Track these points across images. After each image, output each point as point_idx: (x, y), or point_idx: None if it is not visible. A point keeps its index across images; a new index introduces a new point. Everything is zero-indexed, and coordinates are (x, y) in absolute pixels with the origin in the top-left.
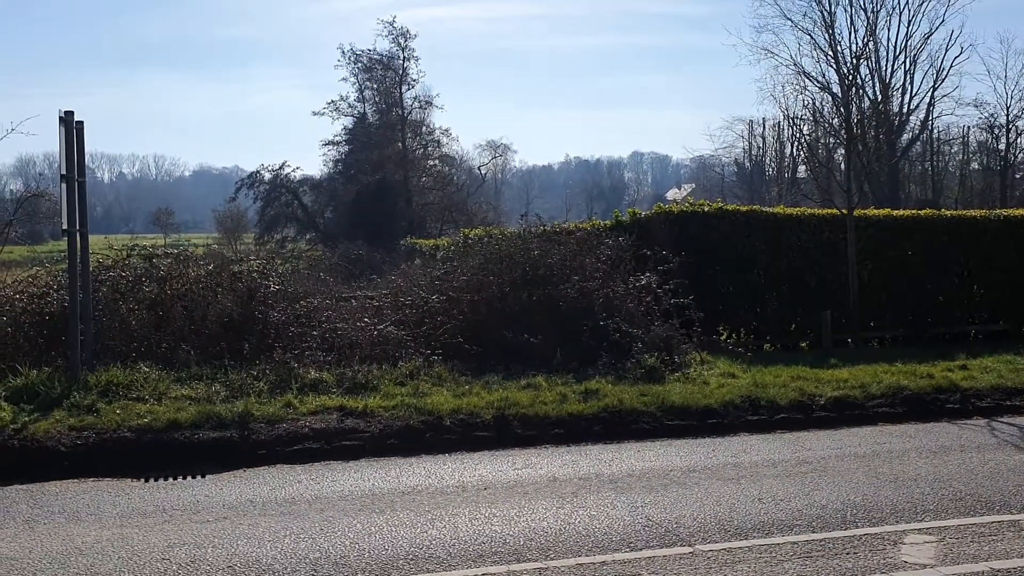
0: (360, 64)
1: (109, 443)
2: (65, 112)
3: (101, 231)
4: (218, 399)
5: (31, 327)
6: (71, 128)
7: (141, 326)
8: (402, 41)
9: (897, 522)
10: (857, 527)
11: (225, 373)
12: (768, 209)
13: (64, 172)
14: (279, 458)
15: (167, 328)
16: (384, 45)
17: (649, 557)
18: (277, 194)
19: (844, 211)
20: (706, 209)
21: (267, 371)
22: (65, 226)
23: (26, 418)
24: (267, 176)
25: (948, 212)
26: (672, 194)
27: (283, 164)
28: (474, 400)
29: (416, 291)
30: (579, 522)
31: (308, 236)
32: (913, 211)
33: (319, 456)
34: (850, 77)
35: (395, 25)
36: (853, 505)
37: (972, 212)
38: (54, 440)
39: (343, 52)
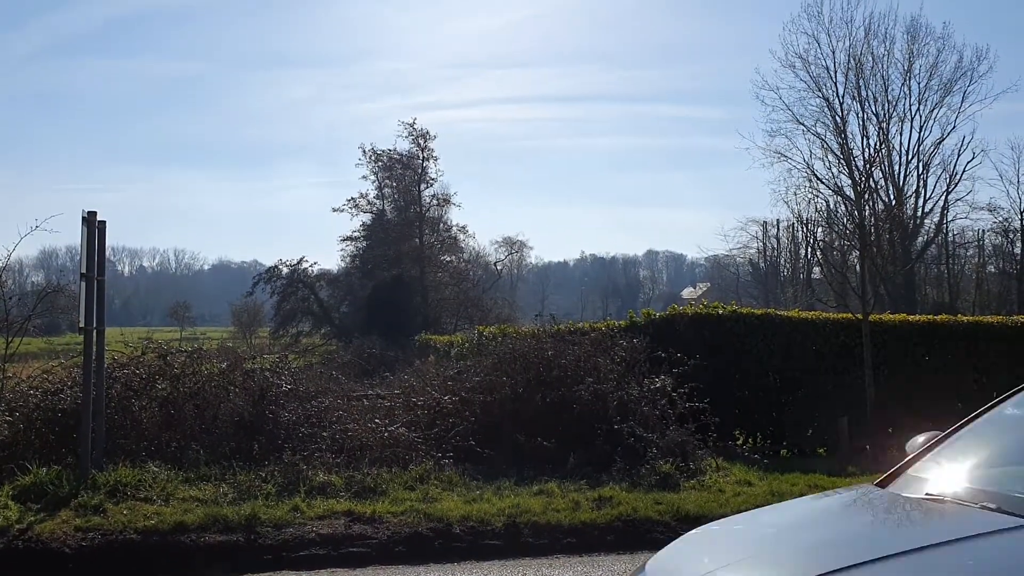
0: (380, 163)
1: (115, 545)
2: (88, 212)
3: (119, 323)
4: (225, 501)
5: (43, 424)
6: (93, 228)
7: (152, 424)
8: (422, 142)
9: None
10: None
11: (233, 474)
12: (783, 313)
13: (84, 271)
14: (285, 564)
15: (178, 427)
16: (404, 145)
17: None
18: (294, 289)
19: (859, 316)
20: (721, 312)
21: (275, 473)
22: (83, 324)
23: (32, 518)
24: (285, 271)
25: (965, 317)
26: (687, 293)
27: (301, 259)
28: (485, 506)
29: (429, 391)
30: None
31: (323, 330)
32: (929, 316)
33: (325, 562)
34: (863, 182)
35: (415, 127)
36: None
37: (990, 318)
38: (59, 542)
39: (364, 151)
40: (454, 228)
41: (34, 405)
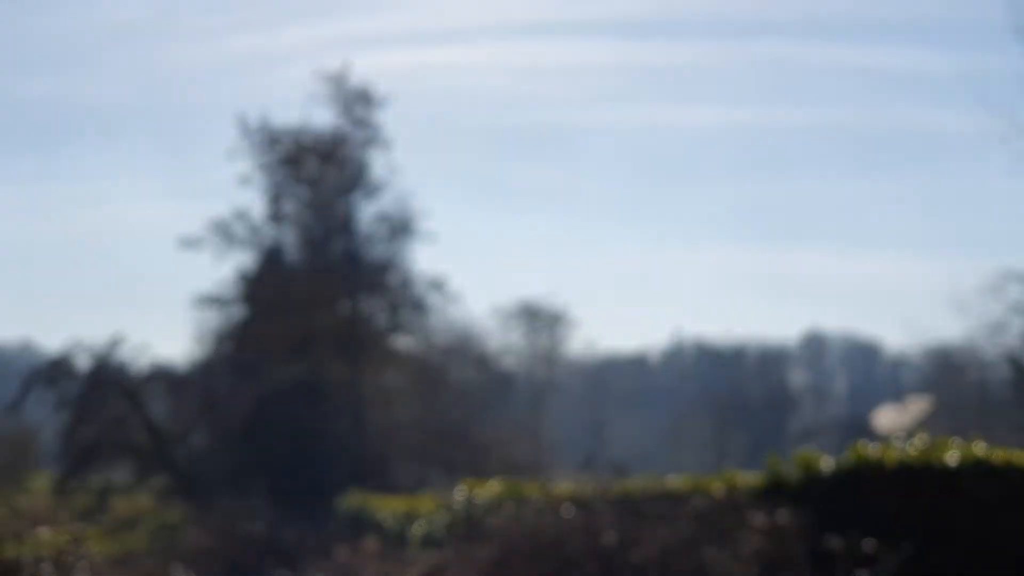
0: (276, 152)
1: None
2: None
3: None
4: None
5: None
6: None
7: None
8: (359, 109)
9: None
10: None
11: None
12: None
13: None
14: None
15: None
16: (324, 117)
17: None
18: (100, 399)
19: None
20: (949, 463)
21: None
22: None
23: None
24: (83, 363)
25: None
26: (886, 418)
27: (115, 341)
28: None
29: None
30: None
31: (155, 480)
32: None
33: None
34: None
35: (345, 80)
36: None
37: None
38: None
39: (243, 129)
40: (421, 282)
41: None
